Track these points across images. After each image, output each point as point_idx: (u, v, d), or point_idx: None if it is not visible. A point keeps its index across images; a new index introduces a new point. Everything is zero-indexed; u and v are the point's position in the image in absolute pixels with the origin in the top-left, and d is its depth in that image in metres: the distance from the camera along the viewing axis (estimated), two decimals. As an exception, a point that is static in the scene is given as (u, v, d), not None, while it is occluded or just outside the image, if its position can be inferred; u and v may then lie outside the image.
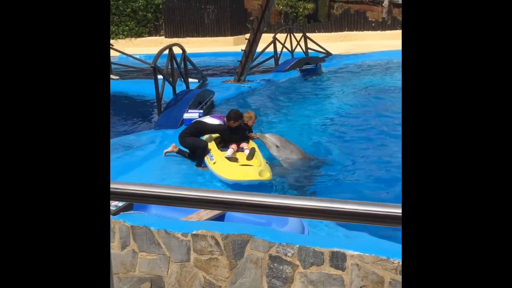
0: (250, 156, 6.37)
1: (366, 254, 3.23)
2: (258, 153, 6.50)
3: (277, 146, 6.83)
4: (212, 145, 6.73)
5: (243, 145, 6.72)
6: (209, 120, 6.91)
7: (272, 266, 3.42)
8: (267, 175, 5.98)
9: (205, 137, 6.90)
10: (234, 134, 6.78)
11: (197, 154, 6.67)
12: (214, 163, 6.29)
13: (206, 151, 6.62)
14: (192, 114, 8.40)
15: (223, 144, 6.81)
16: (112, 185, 1.31)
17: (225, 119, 6.77)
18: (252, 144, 6.80)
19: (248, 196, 1.19)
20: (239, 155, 6.53)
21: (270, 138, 6.94)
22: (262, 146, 7.03)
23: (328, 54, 16.82)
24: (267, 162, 6.34)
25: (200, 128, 6.80)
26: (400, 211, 1.03)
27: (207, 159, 6.53)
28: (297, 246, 3.36)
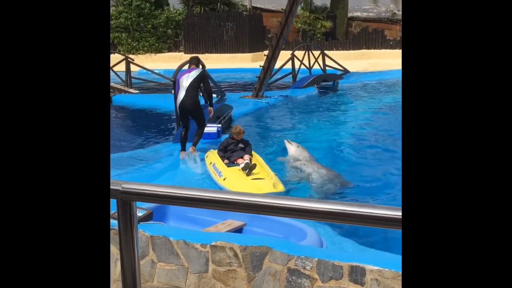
0: (246, 167, 6.26)
1: (386, 269, 3.19)
2: (264, 166, 6.46)
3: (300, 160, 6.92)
4: (216, 159, 6.64)
5: (246, 157, 6.63)
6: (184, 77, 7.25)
7: (290, 279, 3.40)
8: (280, 187, 5.98)
9: (208, 153, 7.00)
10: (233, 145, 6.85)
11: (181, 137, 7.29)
12: (224, 179, 6.20)
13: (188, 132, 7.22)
14: (210, 128, 8.41)
15: (228, 161, 6.67)
16: (136, 186, 1.34)
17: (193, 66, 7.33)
18: (256, 157, 6.77)
19: (264, 198, 1.20)
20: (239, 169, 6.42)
21: (297, 150, 7.02)
22: (270, 162, 7.01)
23: (345, 71, 16.83)
24: (276, 174, 6.31)
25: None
26: (400, 213, 1.03)
27: (215, 176, 6.43)
28: (316, 259, 3.34)
